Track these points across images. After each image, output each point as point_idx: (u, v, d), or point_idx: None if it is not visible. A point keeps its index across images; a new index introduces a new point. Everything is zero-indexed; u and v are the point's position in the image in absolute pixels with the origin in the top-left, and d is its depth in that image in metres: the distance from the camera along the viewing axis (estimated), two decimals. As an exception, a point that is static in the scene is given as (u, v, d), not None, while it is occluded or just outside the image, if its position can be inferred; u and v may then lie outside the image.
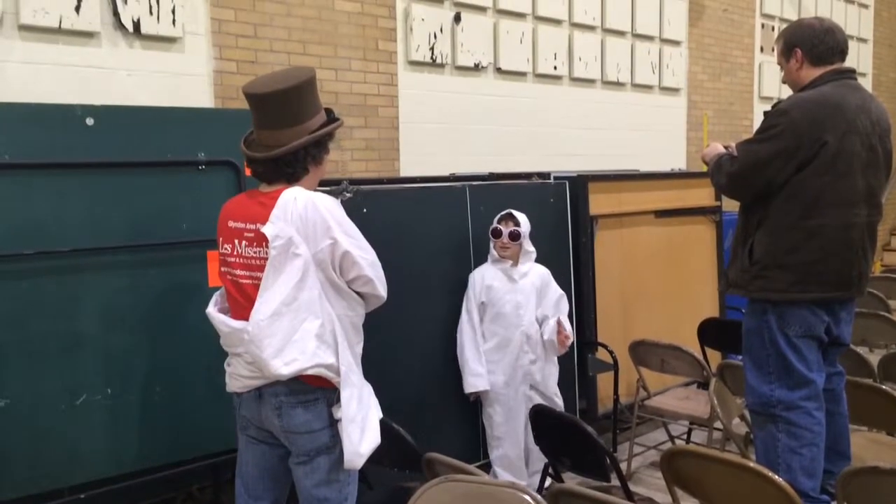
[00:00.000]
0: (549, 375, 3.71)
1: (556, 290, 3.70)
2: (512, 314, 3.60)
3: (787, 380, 2.98)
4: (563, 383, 3.93)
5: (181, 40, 4.14)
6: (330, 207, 2.31)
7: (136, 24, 3.94)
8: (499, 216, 3.63)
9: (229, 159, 3.22)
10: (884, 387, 3.33)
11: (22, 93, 3.59)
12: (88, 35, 3.83)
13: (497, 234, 3.60)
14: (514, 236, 3.58)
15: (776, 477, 2.35)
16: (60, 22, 3.70)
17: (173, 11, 4.06)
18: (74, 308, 2.93)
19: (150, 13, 3.98)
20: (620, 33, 6.71)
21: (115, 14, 3.89)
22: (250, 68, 4.38)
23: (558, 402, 3.74)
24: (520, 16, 5.88)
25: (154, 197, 3.09)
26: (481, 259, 3.77)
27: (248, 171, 2.50)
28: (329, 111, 2.48)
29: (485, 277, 3.63)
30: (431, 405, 3.67)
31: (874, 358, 3.94)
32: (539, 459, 3.55)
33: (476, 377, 3.58)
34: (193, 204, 3.17)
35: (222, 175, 3.24)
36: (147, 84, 4.02)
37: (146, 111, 3.32)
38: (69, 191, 2.91)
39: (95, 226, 2.96)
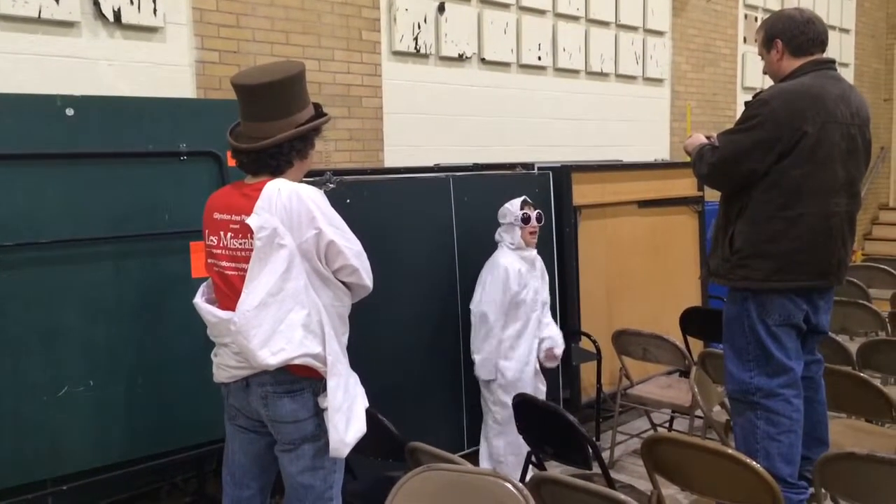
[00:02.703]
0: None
1: (546, 273, 3.83)
2: (532, 299, 3.64)
3: (766, 367, 3.01)
4: (547, 373, 3.96)
5: (162, 30, 4.11)
6: (314, 198, 2.32)
7: (117, 14, 3.90)
8: (519, 203, 3.61)
9: (211, 150, 3.21)
10: (862, 374, 3.37)
11: (1, 83, 3.55)
12: (68, 25, 3.80)
13: (527, 219, 3.59)
14: (539, 219, 3.64)
15: (755, 463, 2.38)
16: (40, 11, 3.66)
17: (154, 1, 4.02)
18: (56, 300, 2.91)
19: (131, 3, 3.94)
20: (604, 24, 6.71)
21: (96, 3, 3.85)
22: (233, 58, 4.36)
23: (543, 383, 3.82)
24: (504, 6, 5.87)
25: (135, 188, 3.08)
26: (465, 250, 3.78)
27: (232, 162, 2.50)
28: (317, 106, 2.49)
29: (515, 266, 3.59)
30: (415, 395, 3.68)
31: (854, 346, 3.99)
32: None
33: (489, 365, 3.59)
34: (175, 195, 3.16)
35: (204, 166, 3.23)
36: (128, 74, 3.99)
37: (127, 101, 3.30)
38: (49, 182, 2.89)
39: (76, 217, 2.95)
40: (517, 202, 3.62)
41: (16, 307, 2.83)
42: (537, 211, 3.65)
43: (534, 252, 3.68)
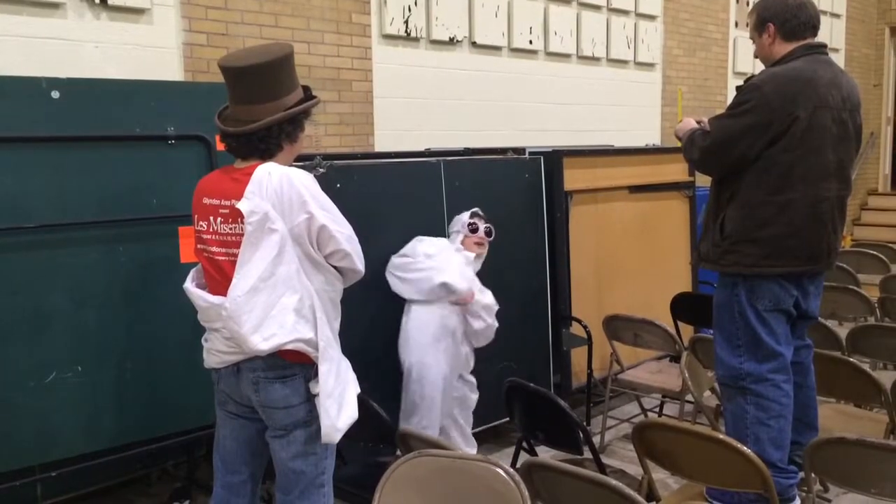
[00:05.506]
0: (470, 362, 3.65)
1: None
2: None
3: (755, 353, 3.02)
4: (538, 358, 3.96)
5: (149, 12, 4.06)
6: (305, 182, 2.30)
7: (103, -5, 3.85)
8: (468, 214, 3.53)
9: (199, 134, 3.18)
10: (851, 359, 3.39)
11: (-15, 65, 3.50)
12: (54, 6, 3.74)
13: (475, 228, 3.50)
14: (489, 233, 3.54)
15: (745, 448, 2.39)
16: (24, -8, 3.61)
17: (141, -18, 3.97)
18: (42, 285, 2.89)
19: (117, -17, 3.88)
20: (596, 7, 6.68)
21: (81, -16, 3.80)
22: (221, 41, 4.31)
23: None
24: (495, -11, 5.82)
25: (123, 172, 3.05)
26: (456, 235, 3.76)
27: (221, 146, 2.47)
28: (307, 89, 2.46)
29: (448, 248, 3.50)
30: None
31: (843, 331, 4.01)
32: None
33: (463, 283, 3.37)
34: (163, 179, 3.13)
35: (192, 150, 3.20)
36: (115, 56, 3.93)
37: (114, 84, 3.26)
38: (35, 165, 2.86)
39: (63, 201, 2.91)
40: (467, 214, 3.54)
41: (2, 292, 2.80)
42: (487, 225, 3.53)
43: (474, 257, 3.49)
